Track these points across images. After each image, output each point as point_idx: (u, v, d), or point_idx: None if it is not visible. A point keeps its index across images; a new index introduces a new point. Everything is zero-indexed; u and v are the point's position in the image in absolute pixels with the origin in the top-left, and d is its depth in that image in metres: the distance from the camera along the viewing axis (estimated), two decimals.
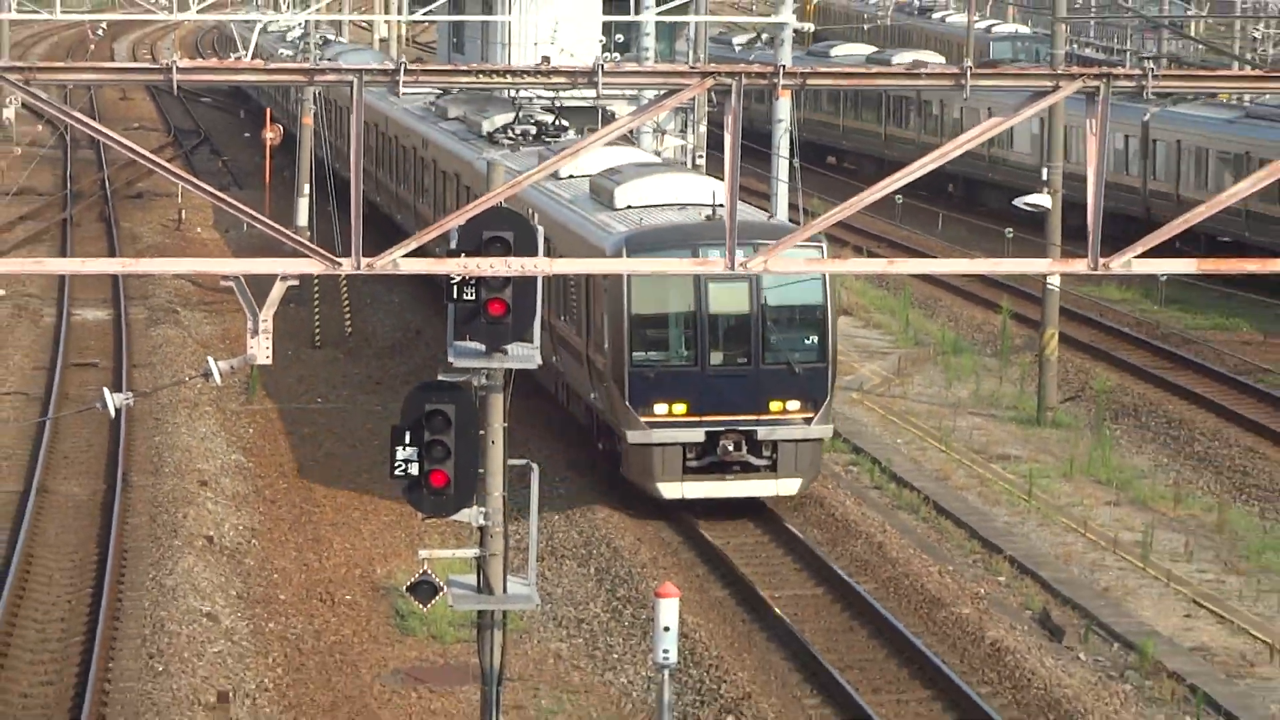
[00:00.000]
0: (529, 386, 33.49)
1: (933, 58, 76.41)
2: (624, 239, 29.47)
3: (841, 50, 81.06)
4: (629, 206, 32.70)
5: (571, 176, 36.48)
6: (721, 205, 24.66)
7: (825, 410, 31.67)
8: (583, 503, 33.21)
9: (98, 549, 31.21)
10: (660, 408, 29.10)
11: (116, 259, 47.74)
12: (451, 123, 48.90)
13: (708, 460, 29.46)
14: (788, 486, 30.63)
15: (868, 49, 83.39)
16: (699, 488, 30.31)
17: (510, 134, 42.25)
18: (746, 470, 30.20)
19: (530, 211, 30.89)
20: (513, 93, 47.63)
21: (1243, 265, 19.31)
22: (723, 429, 29.54)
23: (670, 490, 30.25)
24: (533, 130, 42.58)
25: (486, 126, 43.57)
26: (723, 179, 20.58)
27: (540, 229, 34.18)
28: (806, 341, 30.19)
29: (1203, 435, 39.29)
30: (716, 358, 29.63)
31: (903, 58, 73.17)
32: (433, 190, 47.67)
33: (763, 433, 29.58)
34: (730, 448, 29.44)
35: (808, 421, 31.28)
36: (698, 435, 29.35)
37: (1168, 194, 57.17)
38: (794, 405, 29.54)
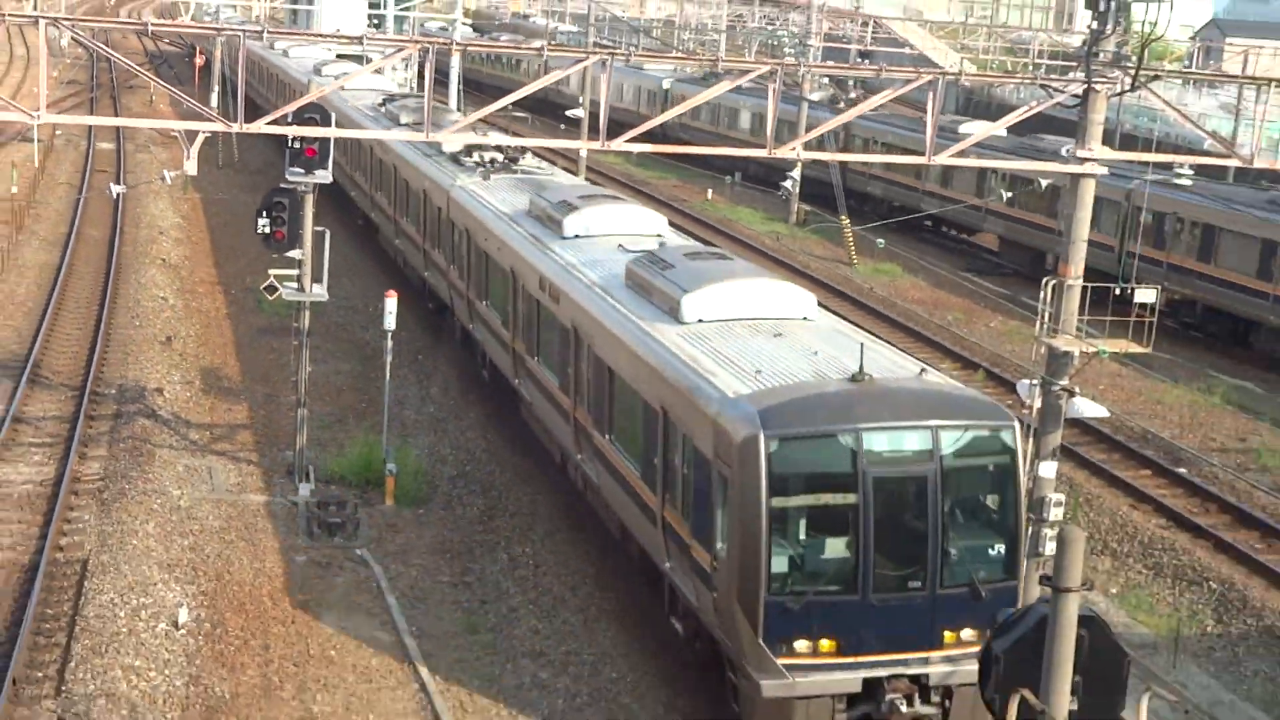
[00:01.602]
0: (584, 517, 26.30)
1: None
2: (758, 416, 18.20)
3: None
4: (700, 320, 22.07)
5: (579, 236, 28.14)
6: (868, 375, 18.78)
7: None
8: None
9: (106, 263, 44.78)
10: (802, 644, 18.19)
11: (119, 118, 70.21)
12: (407, 131, 40.85)
13: (862, 713, 18.45)
14: None
15: None
16: None
17: (478, 159, 37.16)
18: None
19: (554, 289, 26.14)
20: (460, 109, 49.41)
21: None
22: (885, 673, 18.53)
23: None
24: (498, 156, 37.43)
25: (447, 146, 38.37)
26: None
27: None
28: (993, 552, 19.11)
29: None
30: (882, 577, 18.49)
31: None
32: (399, 199, 42.82)
33: (936, 675, 18.65)
34: (900, 704, 18.57)
35: None
36: (853, 683, 18.40)
37: None
38: (971, 634, 18.51)
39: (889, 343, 26.86)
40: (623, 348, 22.58)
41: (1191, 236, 45.20)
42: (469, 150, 38.07)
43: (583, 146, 27.50)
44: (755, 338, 21.41)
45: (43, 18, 22.84)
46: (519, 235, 29.48)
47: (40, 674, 19.98)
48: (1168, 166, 44.48)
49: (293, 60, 67.07)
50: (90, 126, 69.89)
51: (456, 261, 34.92)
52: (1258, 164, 26.53)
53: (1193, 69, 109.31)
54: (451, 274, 35.60)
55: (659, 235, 28.71)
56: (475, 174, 35.97)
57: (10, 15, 25.47)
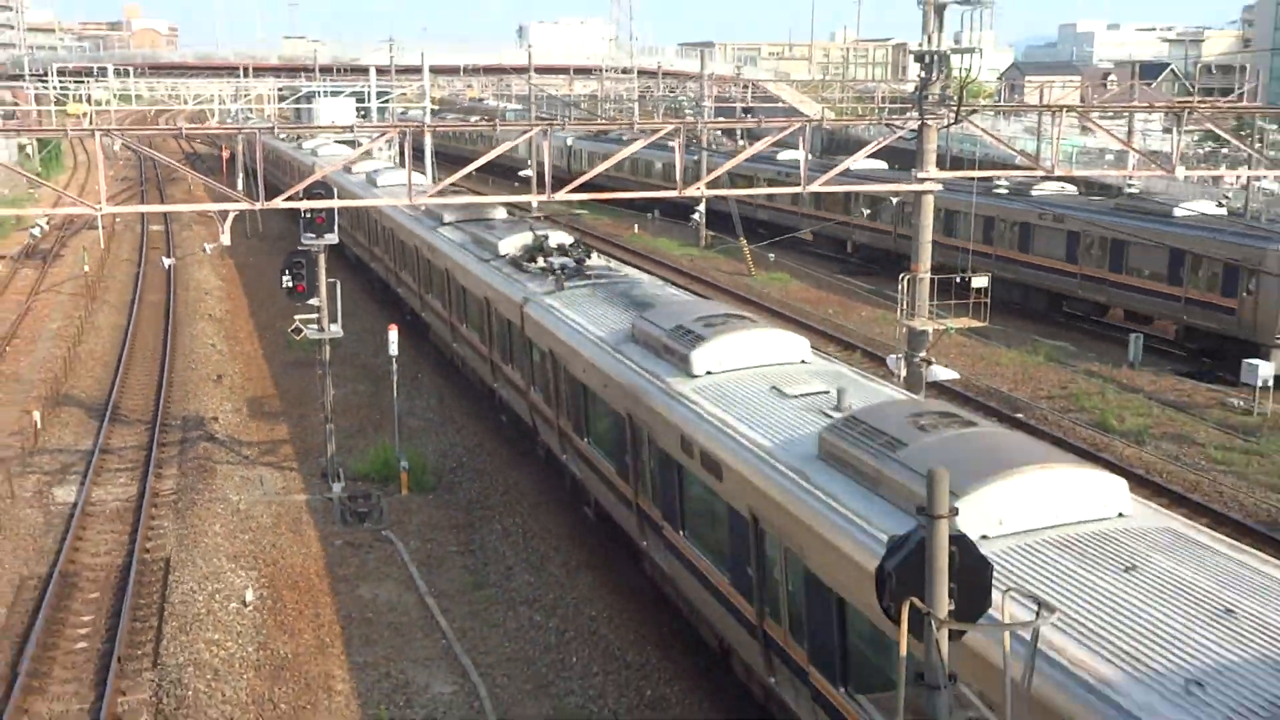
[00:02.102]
0: None
1: None
2: None
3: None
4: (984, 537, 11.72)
5: (711, 373, 18.38)
6: None
7: None
8: None
9: (164, 321, 44.63)
10: None
11: (165, 205, 68.33)
12: (453, 230, 34.97)
13: None
14: None
15: None
16: None
17: (544, 261, 27.80)
18: None
19: (711, 458, 16.00)
20: (506, 211, 37.37)
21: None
22: None
23: None
24: (569, 261, 27.77)
25: (505, 248, 30.07)
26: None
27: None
28: None
29: None
30: None
31: None
32: (455, 302, 33.08)
33: None
34: None
35: None
36: None
37: None
38: None
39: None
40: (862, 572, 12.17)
41: (1013, 233, 45.83)
42: (530, 254, 28.77)
43: (534, 199, 27.50)
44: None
45: (99, 130, 22.77)
46: (631, 371, 19.68)
47: (139, 651, 19.83)
48: (989, 179, 45.30)
49: (303, 149, 66.75)
50: (143, 214, 69.47)
51: (540, 384, 25.46)
52: (1057, 172, 26.96)
53: (1001, 102, 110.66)
54: (534, 396, 26.06)
55: (804, 362, 18.76)
56: (547, 283, 26.47)
57: (73, 130, 25.40)
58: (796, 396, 16.78)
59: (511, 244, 30.37)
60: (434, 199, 32.63)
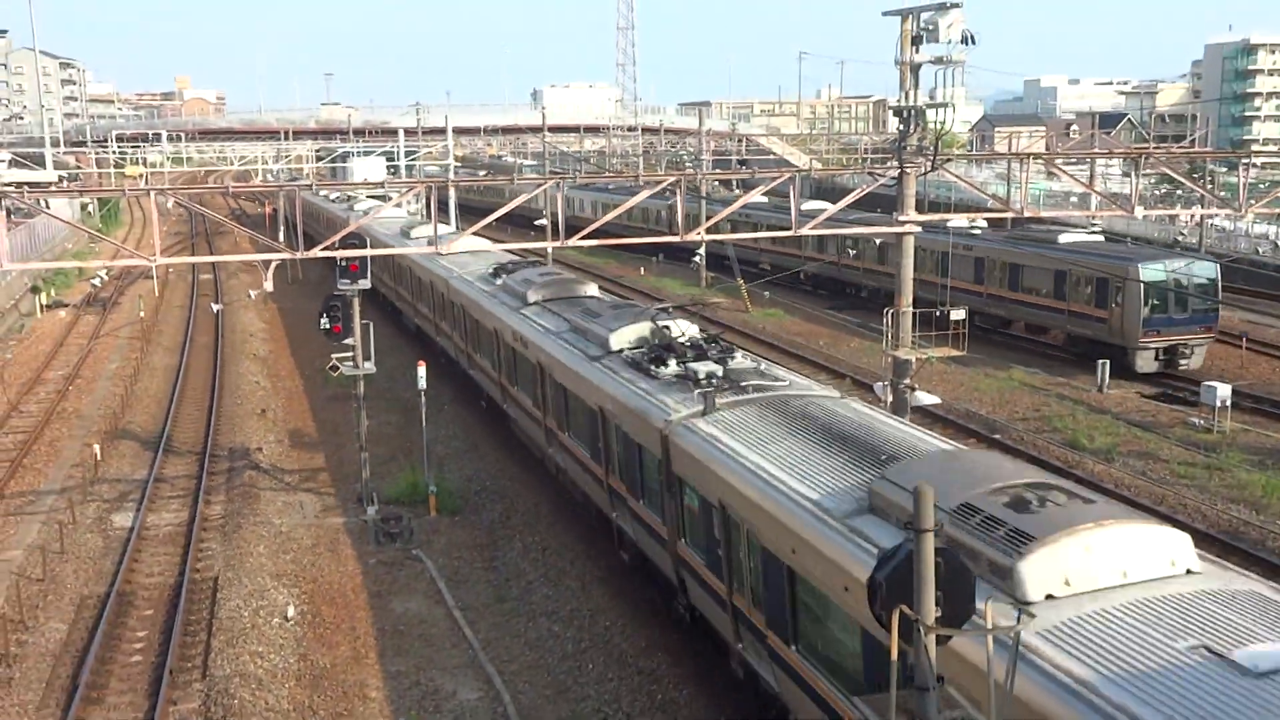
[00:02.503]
0: None
1: None
2: None
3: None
4: None
5: (1054, 598, 10.48)
6: None
7: None
8: None
9: (213, 361, 44.50)
10: None
11: (213, 256, 68.41)
12: (543, 311, 28.37)
13: None
14: None
15: None
16: None
17: (677, 365, 20.19)
18: None
19: None
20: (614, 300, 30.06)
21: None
22: None
23: None
24: (713, 367, 19.63)
25: (616, 341, 23.04)
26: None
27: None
28: None
29: None
30: None
31: None
32: (552, 405, 25.51)
33: None
34: None
35: None
36: None
37: None
38: None
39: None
40: None
41: (933, 260, 46.55)
42: (655, 354, 21.00)
43: (549, 245, 27.43)
44: None
45: (153, 190, 22.76)
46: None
47: (190, 664, 19.65)
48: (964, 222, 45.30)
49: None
50: (193, 264, 69.59)
51: (699, 541, 17.42)
52: (1027, 214, 26.87)
53: (973, 151, 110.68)
54: (686, 551, 17.97)
55: (1191, 573, 11.04)
56: (694, 401, 18.42)
57: (130, 189, 25.46)
58: (1258, 675, 8.97)
59: (625, 336, 23.32)
60: (460, 248, 32.66)
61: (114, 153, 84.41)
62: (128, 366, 43.91)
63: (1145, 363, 38.30)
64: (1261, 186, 55.06)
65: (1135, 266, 38.08)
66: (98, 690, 18.68)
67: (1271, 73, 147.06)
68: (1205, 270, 39.11)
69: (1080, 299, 40.45)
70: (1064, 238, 43.51)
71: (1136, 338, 38.25)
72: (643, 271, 67.65)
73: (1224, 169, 71.60)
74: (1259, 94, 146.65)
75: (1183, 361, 38.67)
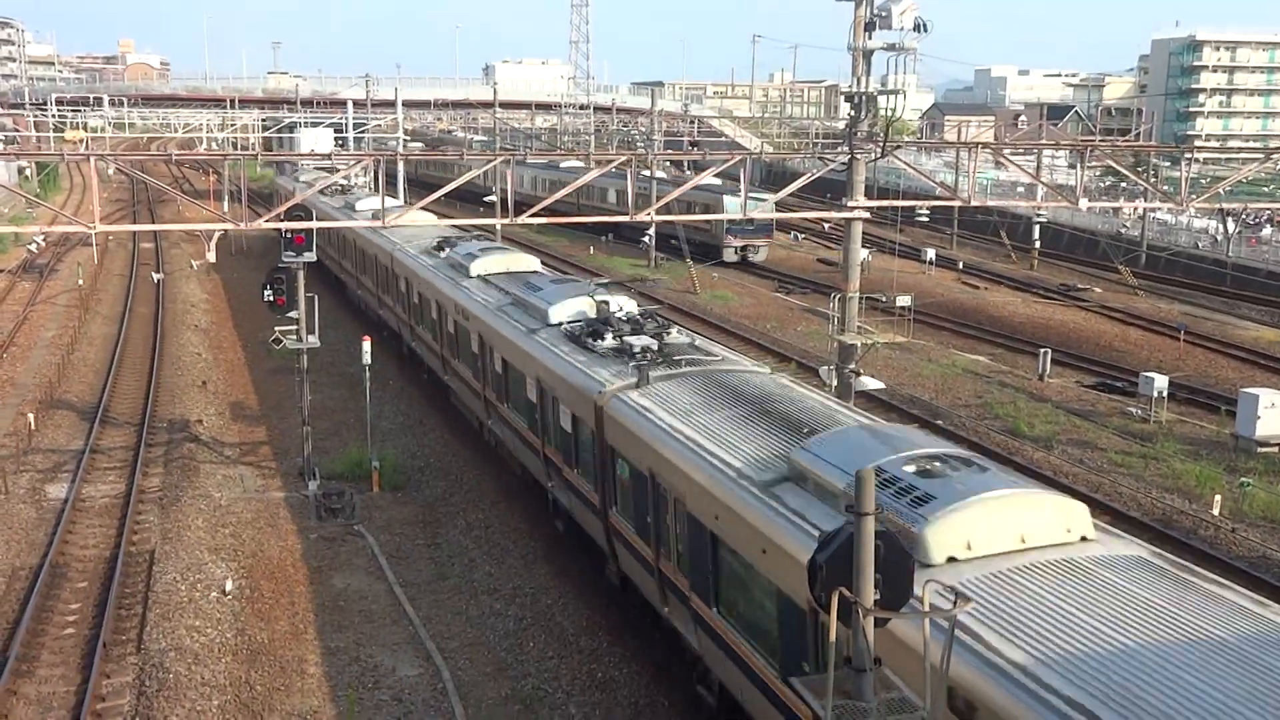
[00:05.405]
0: None
1: None
2: None
3: None
4: None
5: (953, 560, 11.02)
6: None
7: None
8: None
9: (153, 331, 43.77)
10: None
11: (155, 224, 66.24)
12: (485, 285, 28.57)
13: None
14: None
15: None
16: None
17: (613, 339, 20.62)
18: None
19: None
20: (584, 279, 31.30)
21: None
22: None
23: None
24: (648, 341, 20.12)
25: (556, 314, 23.37)
26: None
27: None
28: None
29: None
30: None
31: None
32: (491, 376, 25.77)
33: None
34: None
35: None
36: None
37: None
38: None
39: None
40: None
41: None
42: (592, 328, 21.44)
43: (498, 222, 27.29)
44: None
45: (93, 155, 22.38)
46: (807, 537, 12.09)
47: (124, 637, 19.44)
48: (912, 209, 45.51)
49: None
50: (134, 232, 68.52)
51: (630, 510, 17.78)
52: (974, 203, 27.13)
53: (923, 139, 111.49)
54: (617, 520, 18.39)
55: (1085, 540, 11.68)
56: (628, 374, 18.71)
57: (69, 154, 24.98)
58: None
59: (565, 310, 23.57)
60: (402, 222, 32.30)
61: (53, 116, 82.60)
62: (65, 335, 43.15)
63: (729, 255, 59.69)
64: (1203, 182, 56.07)
65: (722, 198, 55.10)
66: (29, 663, 18.42)
67: (1216, 69, 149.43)
68: (766, 206, 39.52)
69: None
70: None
71: (723, 241, 59.36)
72: (592, 250, 67.47)
73: (1167, 163, 72.65)
74: (1203, 90, 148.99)
75: (752, 255, 60.67)
